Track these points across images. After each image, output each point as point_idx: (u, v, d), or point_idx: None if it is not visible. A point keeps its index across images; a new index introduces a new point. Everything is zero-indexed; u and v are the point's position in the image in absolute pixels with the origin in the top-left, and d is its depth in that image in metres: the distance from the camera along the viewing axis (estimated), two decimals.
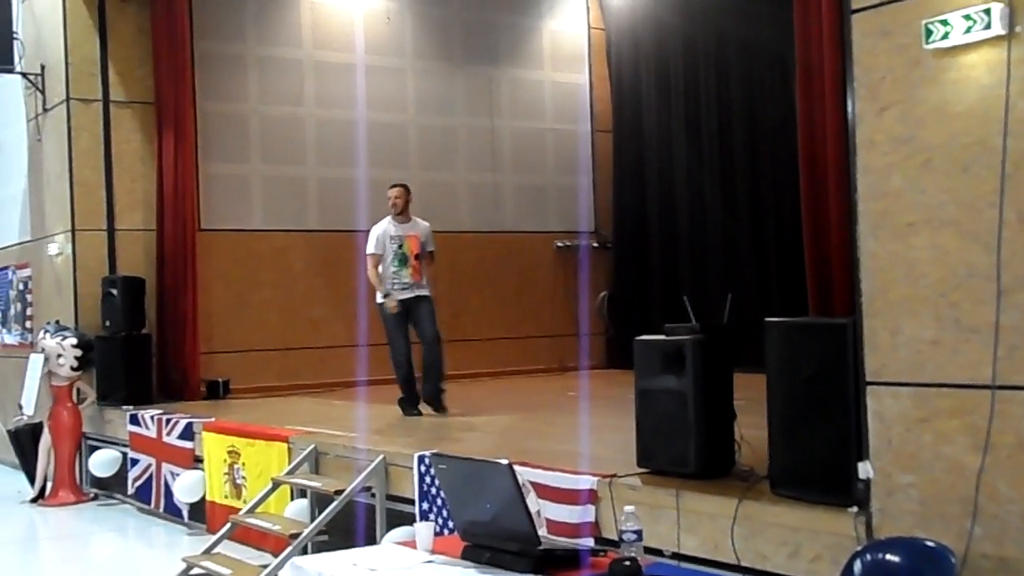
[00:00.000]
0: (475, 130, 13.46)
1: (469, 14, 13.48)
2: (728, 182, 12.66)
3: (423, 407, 8.92)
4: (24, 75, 11.73)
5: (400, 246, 8.89)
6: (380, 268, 8.89)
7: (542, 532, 4.83)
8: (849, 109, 4.20)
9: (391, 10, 13.00)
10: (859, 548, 4.01)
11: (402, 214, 8.99)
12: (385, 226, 8.96)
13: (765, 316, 4.84)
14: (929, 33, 3.85)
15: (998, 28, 3.69)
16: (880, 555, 3.89)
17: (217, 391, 11.20)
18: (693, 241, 13.07)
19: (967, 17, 3.74)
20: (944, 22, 3.80)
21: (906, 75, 3.97)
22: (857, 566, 3.86)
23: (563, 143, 13.98)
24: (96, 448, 10.52)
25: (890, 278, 4.03)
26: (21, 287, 12.78)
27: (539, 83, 13.96)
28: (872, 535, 4.10)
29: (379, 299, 8.91)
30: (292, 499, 7.48)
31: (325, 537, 6.77)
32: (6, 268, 13.28)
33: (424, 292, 8.94)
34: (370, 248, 8.93)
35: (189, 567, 7.04)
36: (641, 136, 13.78)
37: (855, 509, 4.21)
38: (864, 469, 4.13)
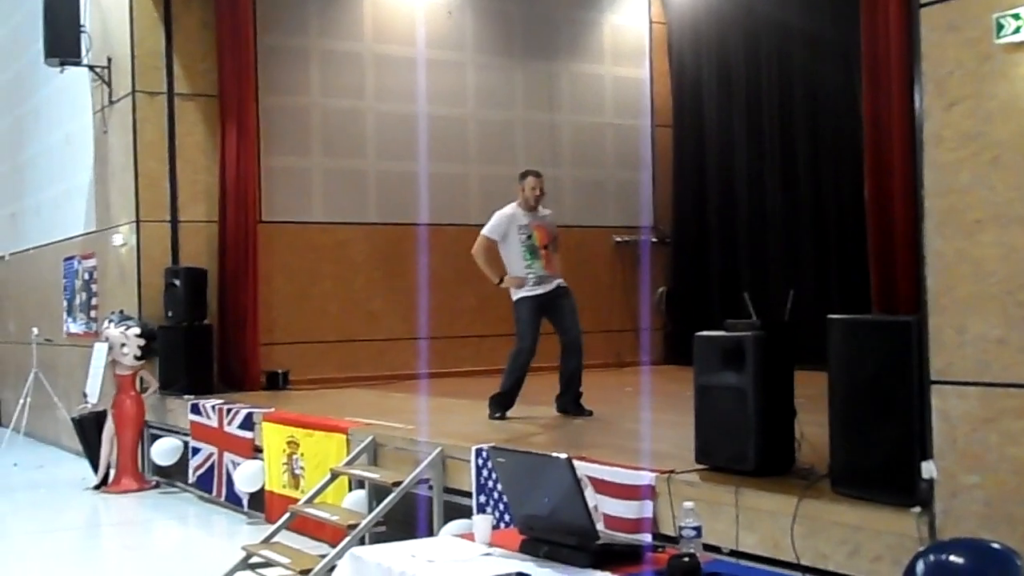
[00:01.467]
0: (535, 124, 13.45)
1: (530, 8, 13.48)
2: (790, 177, 12.54)
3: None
4: (91, 68, 11.90)
5: (529, 236, 8.18)
6: (486, 254, 8.24)
7: (599, 527, 4.82)
8: (916, 104, 4.14)
9: (452, 4, 13.03)
10: (922, 549, 3.95)
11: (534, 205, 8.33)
12: (511, 212, 8.26)
13: (826, 313, 4.79)
14: (1000, 27, 3.78)
15: None
16: (943, 556, 3.83)
17: (276, 382, 11.30)
18: (753, 237, 12.97)
19: None
20: (1016, 16, 3.74)
21: (975, 70, 3.91)
22: (920, 567, 3.80)
23: (623, 138, 13.93)
24: (158, 436, 10.65)
25: (956, 275, 3.97)
26: (86, 277, 12.98)
27: (599, 78, 13.92)
28: (935, 536, 4.04)
29: (514, 296, 8.21)
30: (350, 490, 7.53)
31: (383, 528, 6.81)
32: (72, 258, 13.49)
33: (563, 283, 8.28)
34: (485, 229, 8.27)
35: (248, 555, 7.11)
36: (701, 131, 13.71)
37: (918, 509, 4.16)
38: (928, 469, 4.07)
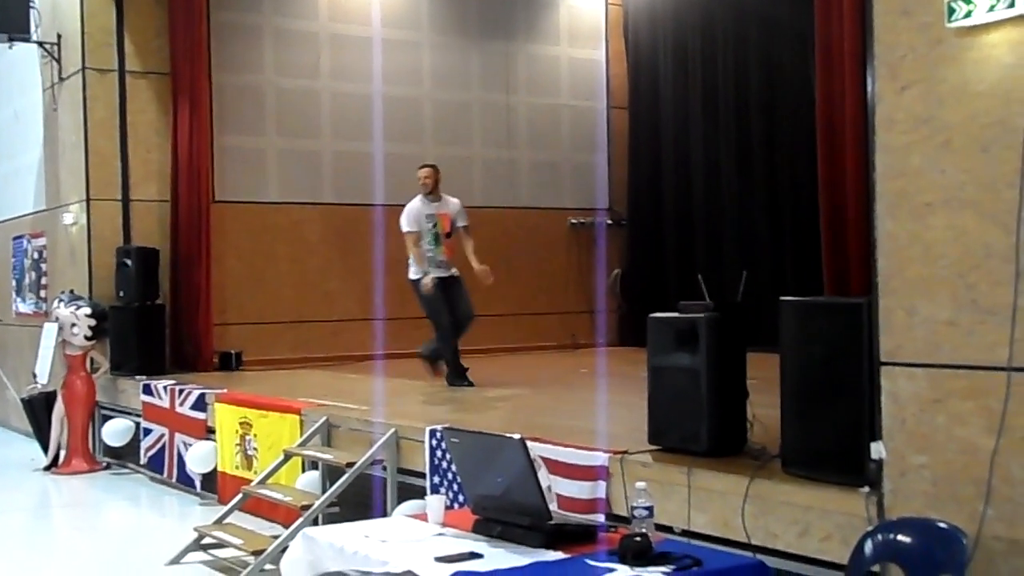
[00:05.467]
0: (491, 105, 13.42)
1: None
2: (744, 160, 12.62)
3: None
4: (40, 44, 11.73)
5: (435, 225, 8.93)
6: (417, 248, 8.94)
7: (552, 508, 4.84)
8: (869, 87, 4.16)
9: None
10: (870, 528, 4.00)
11: (432, 193, 9.01)
12: (418, 205, 8.98)
13: (780, 295, 4.82)
14: (952, 11, 3.81)
15: (1022, 7, 3.64)
16: (891, 535, 3.88)
17: (230, 363, 11.24)
18: (708, 219, 13.04)
19: None
20: (967, 0, 3.76)
21: (927, 54, 3.93)
22: (868, 546, 3.85)
23: (579, 120, 13.94)
24: (109, 417, 10.56)
25: (907, 258, 4.00)
26: (36, 256, 12.82)
27: (555, 59, 13.90)
28: (883, 515, 4.09)
29: (413, 275, 8.91)
30: (303, 471, 7.50)
31: (336, 509, 6.79)
32: (21, 237, 13.31)
33: (456, 272, 9.06)
34: (406, 227, 8.93)
35: (201, 536, 7.08)
36: (657, 113, 13.74)
37: (867, 489, 4.20)
38: (876, 449, 4.11)
